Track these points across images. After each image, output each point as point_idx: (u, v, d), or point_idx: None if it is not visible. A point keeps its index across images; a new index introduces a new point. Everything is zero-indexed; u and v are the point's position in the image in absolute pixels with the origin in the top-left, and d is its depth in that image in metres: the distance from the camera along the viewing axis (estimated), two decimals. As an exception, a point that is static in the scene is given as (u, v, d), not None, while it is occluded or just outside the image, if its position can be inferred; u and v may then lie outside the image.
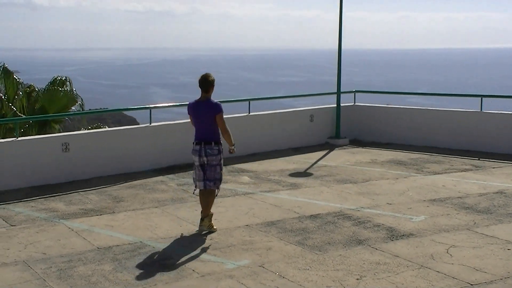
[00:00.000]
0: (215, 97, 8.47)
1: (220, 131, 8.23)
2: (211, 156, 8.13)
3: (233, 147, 8.32)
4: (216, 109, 8.15)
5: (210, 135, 8.15)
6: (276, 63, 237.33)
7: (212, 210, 8.97)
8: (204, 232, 8.14)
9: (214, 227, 8.28)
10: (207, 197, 8.25)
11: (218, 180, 8.24)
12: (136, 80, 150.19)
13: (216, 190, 8.31)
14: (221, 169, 8.25)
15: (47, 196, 10.16)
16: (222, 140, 8.26)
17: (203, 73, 8.37)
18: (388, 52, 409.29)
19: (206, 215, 8.21)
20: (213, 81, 8.23)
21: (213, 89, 8.26)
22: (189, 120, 8.49)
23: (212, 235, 8.02)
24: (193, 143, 8.24)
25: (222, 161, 8.27)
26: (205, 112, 8.16)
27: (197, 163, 8.21)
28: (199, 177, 8.25)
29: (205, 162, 8.17)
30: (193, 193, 8.72)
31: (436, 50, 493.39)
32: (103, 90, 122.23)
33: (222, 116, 8.18)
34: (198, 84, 8.19)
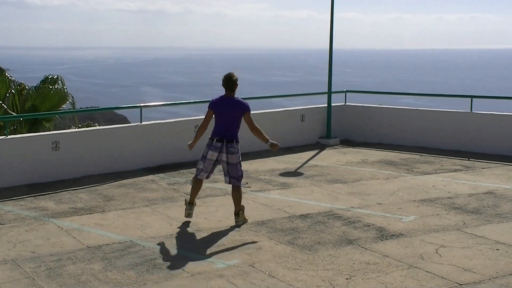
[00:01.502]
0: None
1: (251, 130, 8.42)
2: (232, 154, 8.31)
3: (269, 143, 8.42)
4: (246, 107, 8.36)
5: (233, 133, 8.35)
6: (269, 63, 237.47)
7: (203, 209, 9.00)
8: (239, 224, 8.41)
9: (247, 218, 8.59)
10: (235, 194, 8.48)
11: (241, 177, 8.47)
12: (129, 79, 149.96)
13: (241, 184, 8.55)
14: (240, 166, 8.45)
15: (37, 194, 10.13)
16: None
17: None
18: (381, 53, 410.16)
19: (239, 210, 8.47)
20: (236, 80, 8.38)
21: (236, 87, 8.40)
22: (205, 118, 8.53)
23: (202, 234, 8.01)
24: (213, 139, 8.33)
25: (240, 158, 8.45)
26: (232, 109, 8.32)
27: (213, 158, 8.33)
28: (206, 169, 8.43)
29: (224, 159, 8.32)
30: (195, 178, 8.67)
31: (429, 51, 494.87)
32: (95, 89, 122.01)
33: (250, 113, 8.40)
34: (222, 84, 8.33)
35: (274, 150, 8.59)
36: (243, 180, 8.61)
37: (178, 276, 6.58)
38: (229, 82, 8.32)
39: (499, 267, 6.78)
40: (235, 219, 8.47)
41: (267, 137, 8.46)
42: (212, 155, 8.33)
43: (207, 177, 8.55)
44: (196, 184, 8.58)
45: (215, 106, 8.41)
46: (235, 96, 8.41)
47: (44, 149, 11.01)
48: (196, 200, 8.74)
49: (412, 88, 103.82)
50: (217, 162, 8.41)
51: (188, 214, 8.54)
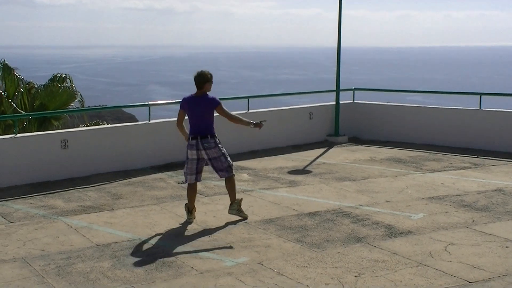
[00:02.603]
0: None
1: (230, 120, 8.53)
2: (209, 149, 8.31)
3: (253, 124, 8.49)
4: (214, 102, 8.35)
5: (205, 129, 8.33)
6: (276, 61, 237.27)
7: (211, 207, 9.01)
8: (233, 214, 8.53)
9: (245, 213, 8.62)
10: (227, 184, 8.53)
11: (228, 167, 8.44)
12: (136, 77, 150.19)
13: (233, 174, 8.55)
14: (225, 158, 8.40)
15: (46, 193, 10.17)
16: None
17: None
18: (388, 51, 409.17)
19: (233, 199, 8.52)
20: (206, 76, 8.32)
21: (209, 85, 8.37)
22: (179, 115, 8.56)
23: (211, 232, 8.01)
24: (189, 138, 8.38)
25: (223, 150, 8.42)
26: (203, 106, 8.31)
27: (194, 157, 8.35)
28: (191, 170, 8.42)
29: (205, 157, 8.34)
30: (180, 183, 8.68)
31: (437, 48, 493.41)
32: (102, 87, 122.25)
33: (222, 106, 8.40)
34: (193, 81, 8.35)
35: (259, 129, 8.65)
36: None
37: (186, 273, 6.59)
38: (199, 79, 8.33)
39: (509, 265, 6.75)
40: (229, 208, 8.55)
41: (248, 120, 8.54)
42: (191, 153, 8.36)
43: (196, 179, 8.49)
44: (190, 191, 8.54)
45: (185, 104, 8.42)
46: (207, 94, 8.38)
47: (53, 148, 11.05)
48: (195, 206, 8.68)
49: (419, 86, 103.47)
50: (200, 161, 8.39)
51: (189, 221, 8.53)
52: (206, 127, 8.34)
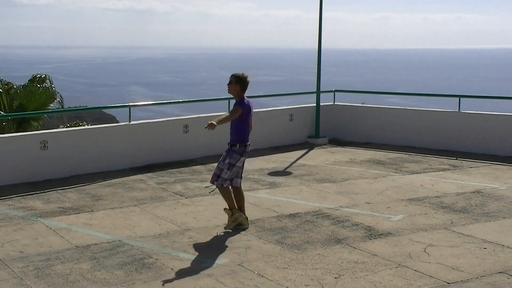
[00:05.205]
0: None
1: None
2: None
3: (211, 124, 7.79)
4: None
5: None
6: (256, 63, 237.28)
7: (191, 208, 9.01)
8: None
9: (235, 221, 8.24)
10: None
11: (214, 175, 8.15)
12: (115, 78, 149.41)
13: (216, 185, 8.22)
14: (219, 166, 8.13)
15: (25, 194, 10.08)
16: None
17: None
18: (367, 53, 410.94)
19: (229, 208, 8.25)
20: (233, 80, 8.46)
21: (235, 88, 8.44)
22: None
23: (191, 233, 8.00)
24: (247, 145, 8.25)
25: (226, 161, 8.11)
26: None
27: (240, 163, 8.26)
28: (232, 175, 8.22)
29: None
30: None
31: (415, 50, 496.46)
32: (82, 88, 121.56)
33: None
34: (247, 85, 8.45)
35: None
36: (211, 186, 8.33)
37: (166, 275, 6.58)
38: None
39: (486, 266, 6.82)
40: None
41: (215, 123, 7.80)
42: (239, 159, 8.24)
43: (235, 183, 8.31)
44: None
45: (248, 109, 8.27)
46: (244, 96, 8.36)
47: (32, 149, 10.96)
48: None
49: (398, 88, 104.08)
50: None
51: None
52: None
